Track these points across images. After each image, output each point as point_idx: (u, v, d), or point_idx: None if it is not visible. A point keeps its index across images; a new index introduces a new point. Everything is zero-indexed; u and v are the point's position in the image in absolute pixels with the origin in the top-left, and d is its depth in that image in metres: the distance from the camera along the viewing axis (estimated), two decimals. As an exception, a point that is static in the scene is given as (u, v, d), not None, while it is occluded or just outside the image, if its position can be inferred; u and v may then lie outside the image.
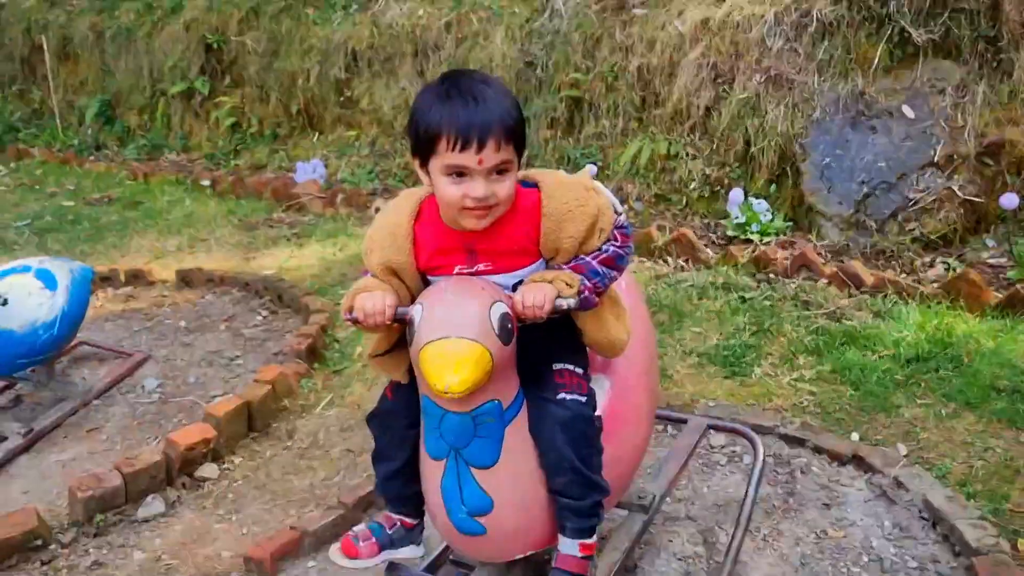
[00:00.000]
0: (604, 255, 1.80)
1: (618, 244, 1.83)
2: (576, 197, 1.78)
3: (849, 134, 4.91)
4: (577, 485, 1.81)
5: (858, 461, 2.73)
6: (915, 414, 3.03)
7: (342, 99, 7.51)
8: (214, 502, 2.94)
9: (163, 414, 3.56)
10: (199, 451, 3.07)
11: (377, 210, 5.98)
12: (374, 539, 1.98)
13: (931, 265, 4.29)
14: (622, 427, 2.01)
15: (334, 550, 1.97)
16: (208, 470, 3.09)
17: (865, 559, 2.33)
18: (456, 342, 1.63)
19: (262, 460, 3.18)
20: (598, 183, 1.90)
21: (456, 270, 1.82)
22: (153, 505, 2.90)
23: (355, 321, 1.80)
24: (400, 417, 1.91)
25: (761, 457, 2.46)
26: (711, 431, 2.64)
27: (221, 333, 4.31)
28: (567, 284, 1.73)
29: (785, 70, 5.27)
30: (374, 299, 1.76)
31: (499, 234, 1.78)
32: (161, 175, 7.61)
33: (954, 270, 4.17)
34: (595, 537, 1.90)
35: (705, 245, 4.79)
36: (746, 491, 2.40)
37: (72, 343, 3.90)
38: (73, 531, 2.78)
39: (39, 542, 2.68)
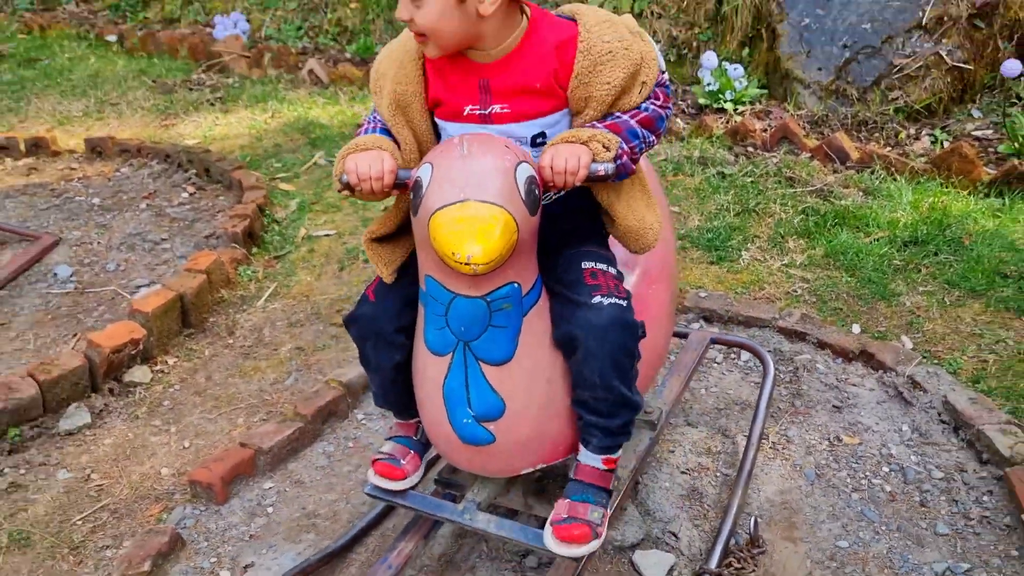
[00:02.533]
0: (644, 114, 1.51)
1: (659, 103, 1.54)
2: (620, 38, 1.47)
3: (831, -8, 4.52)
4: (607, 403, 1.55)
5: (866, 357, 2.52)
6: (917, 302, 2.82)
7: (264, -57, 6.71)
8: (148, 411, 2.58)
9: (81, 307, 3.13)
10: (127, 353, 2.68)
11: (310, 72, 5.41)
12: (412, 451, 1.76)
13: (917, 137, 4.03)
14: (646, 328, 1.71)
15: (373, 481, 1.74)
16: (139, 374, 2.71)
17: (885, 469, 2.14)
18: (477, 206, 1.32)
19: (200, 361, 2.81)
20: (643, 30, 1.55)
21: (467, 110, 1.51)
22: (77, 416, 2.53)
23: (349, 188, 1.48)
24: (384, 321, 1.61)
25: (771, 375, 2.23)
26: (713, 345, 2.37)
27: (142, 212, 3.82)
28: (603, 145, 1.42)
29: (763, -82, 4.79)
30: (370, 159, 1.46)
31: (517, 68, 1.48)
32: (59, 28, 6.79)
33: (941, 143, 3.93)
34: (620, 452, 1.66)
35: (675, 115, 4.42)
36: (755, 411, 2.18)
37: (-34, 225, 3.40)
38: (-17, 449, 2.41)
39: (-58, 464, 2.30)
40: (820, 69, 4.41)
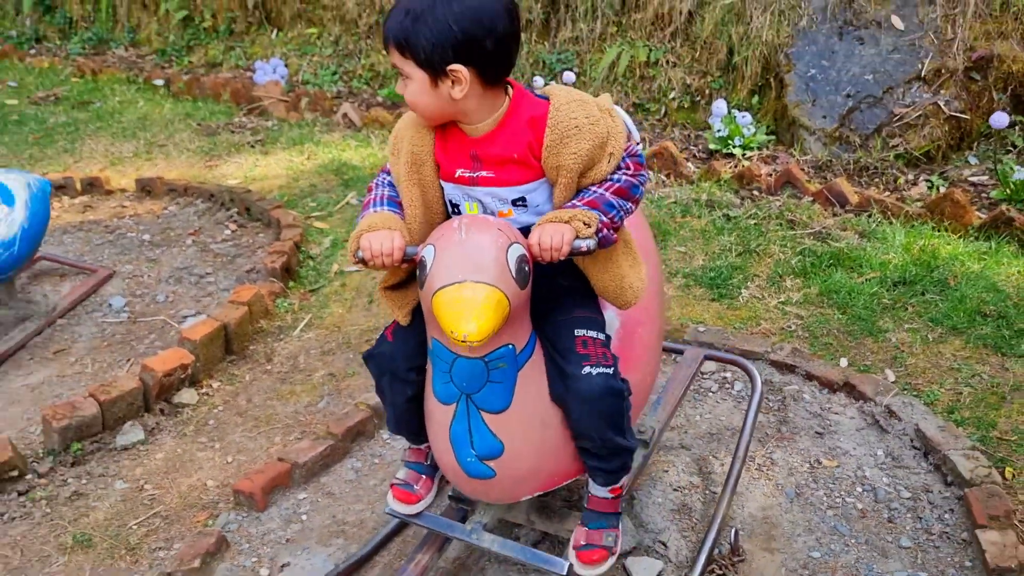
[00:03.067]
0: (617, 185, 1.69)
1: (630, 172, 1.72)
2: (587, 114, 1.67)
3: (836, 45, 4.78)
4: (604, 450, 1.77)
5: (849, 389, 2.73)
6: (902, 339, 3.03)
7: (302, -7, 7.12)
8: (195, 429, 2.86)
9: (133, 334, 3.43)
10: (177, 376, 2.97)
11: (344, 115, 5.74)
12: (424, 476, 1.99)
13: (914, 183, 4.26)
14: (631, 368, 1.94)
15: (392, 504, 1.97)
16: (187, 396, 2.99)
17: (859, 489, 2.35)
18: (473, 287, 1.53)
19: (241, 385, 3.09)
20: (619, 108, 1.79)
21: (457, 173, 1.74)
22: (132, 433, 2.81)
23: (363, 262, 1.71)
24: (400, 360, 1.83)
25: (759, 390, 2.45)
26: (707, 361, 2.60)
27: (188, 248, 4.14)
28: (584, 223, 1.62)
29: (771, -26, 5.08)
30: (381, 239, 1.68)
31: (499, 141, 1.70)
32: (110, 72, 7.21)
33: (937, 188, 4.15)
34: (624, 480, 1.88)
35: (687, 159, 4.69)
36: (743, 424, 2.39)
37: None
38: (49, 460, 2.69)
39: (14, 472, 2.58)
40: (824, 117, 4.66)
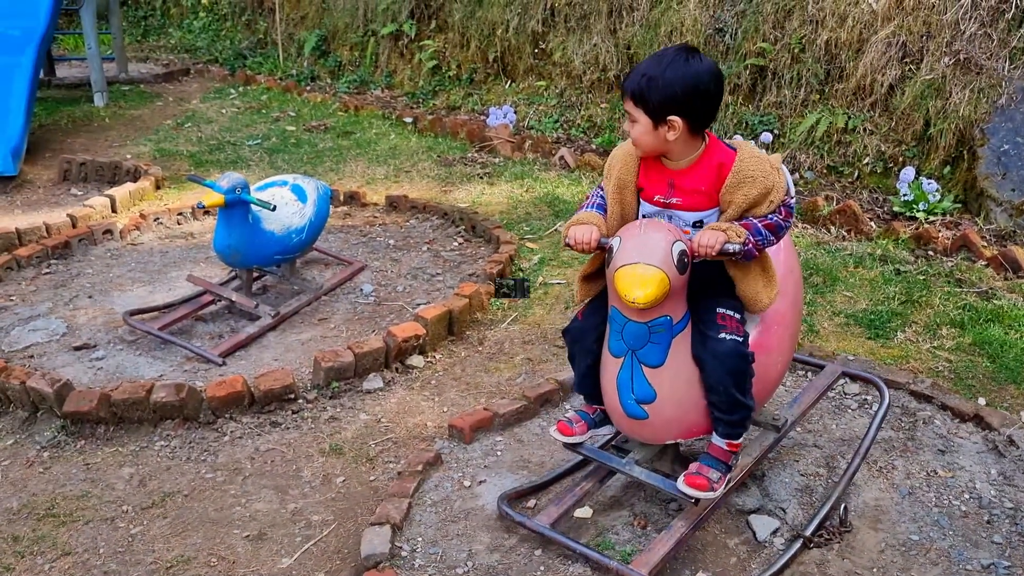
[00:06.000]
0: (768, 221, 2.27)
1: (781, 216, 2.29)
2: (762, 169, 2.25)
3: (1032, 123, 4.98)
4: (727, 403, 2.31)
5: (978, 420, 3.06)
6: (1044, 389, 3.30)
7: (536, 50, 8.06)
8: (420, 385, 3.63)
9: (377, 313, 4.30)
10: (411, 344, 3.77)
11: (560, 158, 6.53)
12: (584, 421, 2.59)
13: (1096, 258, 4.39)
14: (765, 356, 2.48)
15: (553, 432, 2.60)
16: (416, 360, 3.79)
17: (966, 496, 2.71)
18: (644, 267, 2.15)
19: (458, 358, 3.84)
20: (784, 167, 2.34)
21: (655, 197, 2.37)
22: (374, 381, 3.62)
23: (569, 245, 2.37)
24: (585, 333, 2.48)
25: (886, 401, 2.86)
26: (844, 378, 3.04)
27: (423, 253, 5.02)
28: (736, 235, 2.21)
29: (975, 54, 5.36)
30: (584, 231, 2.34)
31: (692, 175, 2.32)
32: (368, 109, 8.45)
33: (1119, 265, 4.27)
34: (741, 439, 2.41)
35: (870, 218, 5.04)
36: (868, 426, 2.82)
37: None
38: (315, 392, 3.54)
39: (291, 395, 3.46)
40: (1013, 190, 4.87)
